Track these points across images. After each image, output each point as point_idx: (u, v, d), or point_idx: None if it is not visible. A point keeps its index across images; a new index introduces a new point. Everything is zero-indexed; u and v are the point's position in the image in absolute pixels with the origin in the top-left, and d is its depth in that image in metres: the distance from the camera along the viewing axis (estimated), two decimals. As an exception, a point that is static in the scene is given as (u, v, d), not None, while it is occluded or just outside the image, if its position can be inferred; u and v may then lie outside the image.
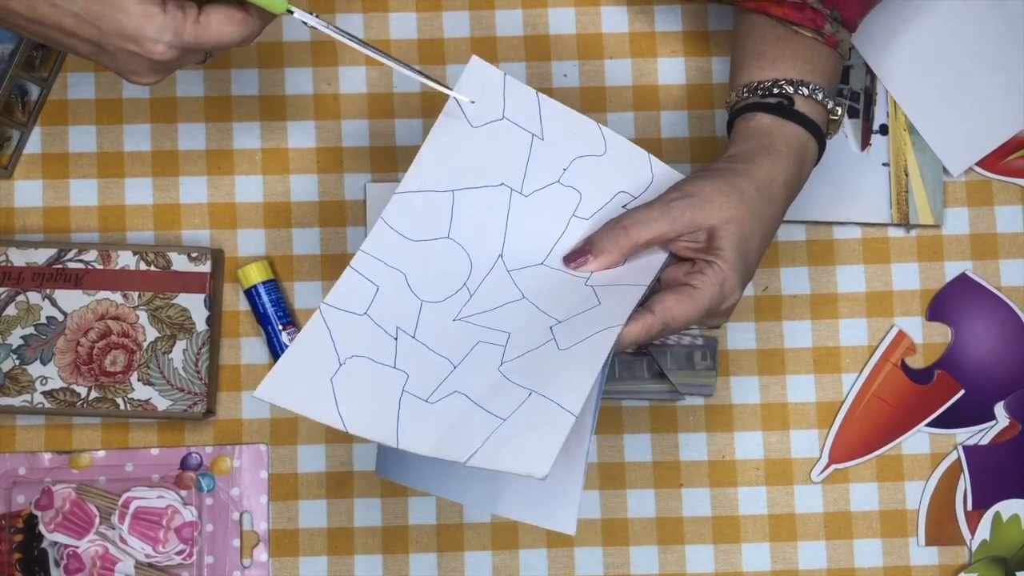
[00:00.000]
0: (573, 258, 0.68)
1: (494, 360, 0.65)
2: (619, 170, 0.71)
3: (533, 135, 0.70)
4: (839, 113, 0.71)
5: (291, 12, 0.64)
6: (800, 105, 0.69)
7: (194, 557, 0.83)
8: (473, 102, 0.69)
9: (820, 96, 0.69)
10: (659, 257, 0.68)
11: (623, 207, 0.70)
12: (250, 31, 0.64)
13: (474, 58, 0.70)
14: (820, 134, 0.70)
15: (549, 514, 0.67)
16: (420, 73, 0.68)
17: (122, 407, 0.82)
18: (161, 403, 0.82)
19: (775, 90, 0.69)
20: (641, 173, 0.71)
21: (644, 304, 0.65)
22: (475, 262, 0.68)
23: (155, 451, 0.84)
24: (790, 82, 0.69)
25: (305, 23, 0.65)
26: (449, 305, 0.67)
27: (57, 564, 0.83)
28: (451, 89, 0.69)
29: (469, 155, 0.70)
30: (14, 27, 0.63)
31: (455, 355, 0.65)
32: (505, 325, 0.66)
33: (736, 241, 0.65)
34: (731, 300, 0.66)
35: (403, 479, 0.75)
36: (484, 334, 0.66)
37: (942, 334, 0.86)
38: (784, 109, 0.69)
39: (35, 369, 0.82)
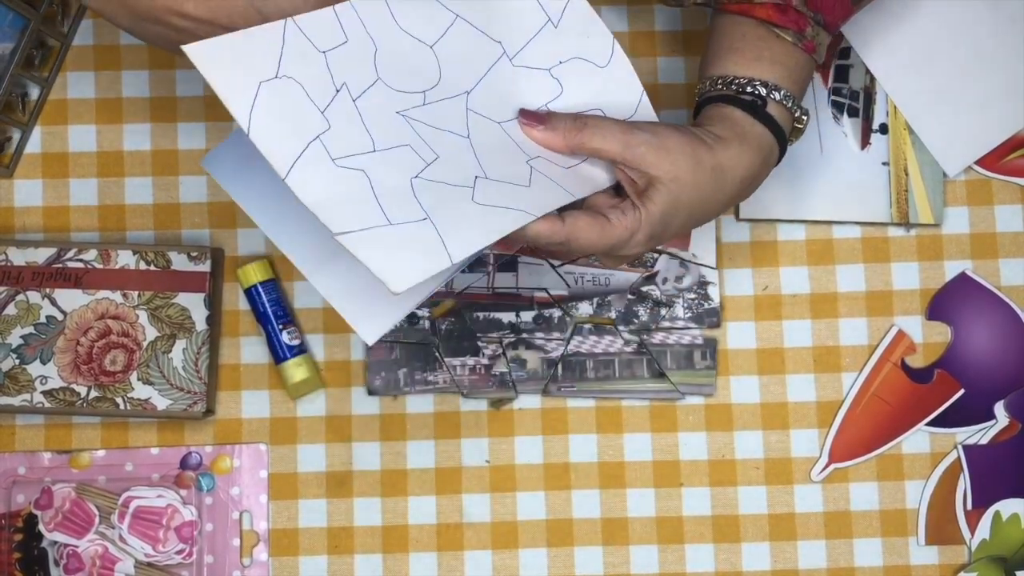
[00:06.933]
0: (528, 116, 0.68)
1: (411, 168, 0.64)
2: (608, 90, 0.70)
3: (549, 19, 0.70)
4: (804, 122, 0.71)
5: None
6: (771, 108, 0.69)
7: (194, 556, 0.83)
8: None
9: (790, 104, 0.70)
10: (602, 179, 0.68)
11: None
12: None
13: None
14: (784, 141, 0.71)
15: (361, 314, 0.69)
16: None
17: (122, 406, 0.82)
18: (161, 402, 0.82)
19: (749, 88, 0.69)
20: (627, 102, 0.71)
21: (560, 211, 0.66)
22: (444, 79, 0.67)
23: (155, 450, 0.84)
24: (764, 84, 0.69)
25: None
26: (400, 97, 0.65)
27: (57, 563, 0.83)
28: None
29: None
30: None
31: (380, 141, 0.64)
32: (438, 148, 0.65)
33: (668, 201, 0.66)
34: (632, 250, 0.67)
35: (230, 184, 0.72)
36: (416, 142, 0.65)
37: (942, 333, 0.86)
38: (756, 109, 0.69)
39: (35, 368, 0.82)
